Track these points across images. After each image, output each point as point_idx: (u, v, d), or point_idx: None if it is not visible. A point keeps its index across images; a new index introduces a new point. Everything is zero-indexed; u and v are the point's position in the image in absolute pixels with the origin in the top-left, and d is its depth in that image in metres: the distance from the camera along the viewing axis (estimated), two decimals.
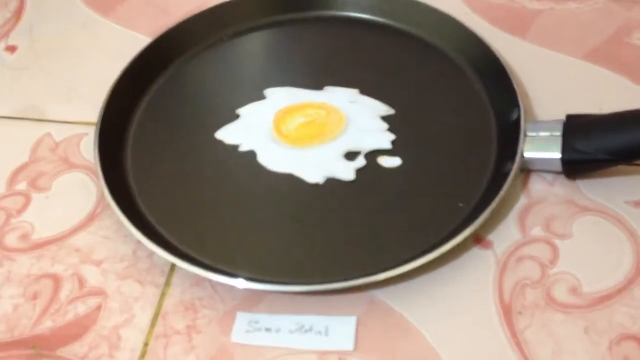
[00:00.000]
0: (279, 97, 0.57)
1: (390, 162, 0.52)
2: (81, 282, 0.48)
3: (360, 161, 0.52)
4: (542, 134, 0.50)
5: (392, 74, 0.58)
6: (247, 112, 0.56)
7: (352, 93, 0.56)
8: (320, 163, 0.52)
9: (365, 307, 0.46)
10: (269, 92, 0.57)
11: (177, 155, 0.54)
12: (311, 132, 0.54)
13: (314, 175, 0.51)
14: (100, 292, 0.48)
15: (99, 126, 0.54)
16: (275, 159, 0.53)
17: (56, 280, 0.48)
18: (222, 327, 0.45)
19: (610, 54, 0.58)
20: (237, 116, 0.56)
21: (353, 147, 0.53)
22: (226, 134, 0.55)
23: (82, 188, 0.53)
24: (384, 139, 0.53)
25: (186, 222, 0.50)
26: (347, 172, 0.51)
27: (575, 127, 0.49)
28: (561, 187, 0.51)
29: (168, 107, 0.57)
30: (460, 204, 0.49)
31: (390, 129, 0.54)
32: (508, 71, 0.54)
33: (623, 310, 0.44)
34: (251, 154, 0.53)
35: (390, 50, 0.60)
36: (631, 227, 0.48)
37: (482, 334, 0.44)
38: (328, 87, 0.57)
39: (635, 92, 0.56)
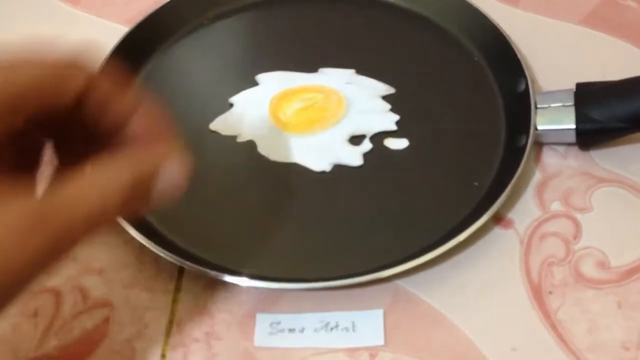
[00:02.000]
0: (272, 82, 0.54)
1: (397, 144, 0.50)
2: (84, 294, 0.45)
3: (367, 145, 0.50)
4: (554, 105, 0.49)
5: (387, 51, 0.56)
6: (241, 100, 0.53)
7: (349, 74, 0.54)
8: (325, 150, 0.50)
9: (391, 299, 0.44)
10: (261, 77, 0.54)
11: None
12: (311, 117, 0.51)
13: (319, 163, 0.49)
14: (106, 304, 0.44)
15: None
16: (277, 148, 0.50)
17: (56, 294, 0.45)
18: (243, 331, 0.43)
19: (606, 17, 0.57)
20: (231, 105, 0.53)
21: (357, 131, 0.50)
22: (222, 125, 0.52)
23: None
24: (388, 120, 0.51)
25: (189, 220, 0.47)
26: (354, 157, 0.49)
27: (587, 96, 0.48)
28: (575, 159, 0.49)
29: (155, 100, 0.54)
30: (476, 183, 0.48)
31: (393, 109, 0.51)
32: (510, 41, 0.53)
33: None
34: (251, 145, 0.50)
35: (381, 26, 0.57)
36: None
37: (514, 318, 0.43)
38: (322, 69, 0.54)
39: (637, 55, 0.55)
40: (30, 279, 0.30)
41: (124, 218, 0.44)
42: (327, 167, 0.49)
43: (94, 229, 0.32)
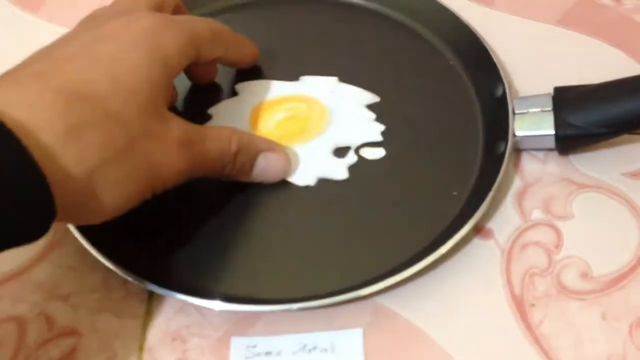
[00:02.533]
0: (252, 92, 0.51)
1: (374, 153, 0.48)
2: (50, 322, 0.43)
3: (352, 157, 0.48)
4: (532, 110, 0.47)
5: (364, 57, 0.53)
6: (219, 111, 0.51)
7: (331, 82, 0.52)
8: (309, 163, 0.47)
9: (370, 317, 0.42)
10: (241, 87, 0.52)
11: None
12: (294, 128, 0.49)
13: (304, 177, 0.47)
14: (73, 332, 0.42)
15: None
16: None
17: (21, 322, 0.43)
18: (218, 356, 0.41)
19: (583, 17, 0.56)
20: (209, 117, 0.50)
21: (341, 142, 0.48)
22: None
23: None
24: (374, 130, 0.49)
25: (158, 241, 0.45)
26: (339, 170, 0.47)
27: (566, 101, 0.47)
28: (555, 165, 0.48)
29: None
30: (455, 193, 0.46)
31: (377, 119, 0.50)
32: (486, 45, 0.51)
33: (638, 290, 0.43)
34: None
35: (360, 32, 0.55)
36: (632, 201, 0.46)
37: (497, 333, 0.42)
38: (304, 77, 0.52)
39: (614, 55, 0.53)
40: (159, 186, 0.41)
41: (232, 177, 0.45)
42: (311, 182, 0.47)
43: (209, 171, 0.43)
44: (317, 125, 0.49)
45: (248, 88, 0.52)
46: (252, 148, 0.44)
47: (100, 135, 0.36)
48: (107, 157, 0.37)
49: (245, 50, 0.50)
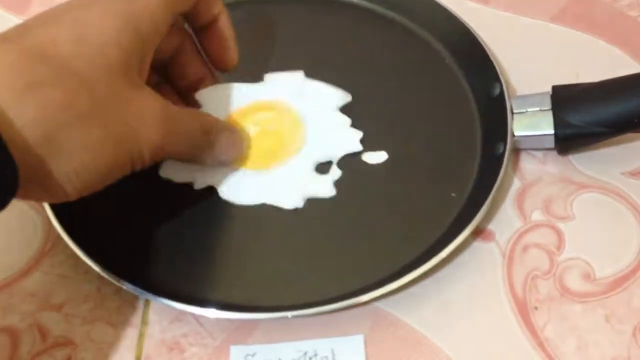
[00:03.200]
0: (215, 101, 0.47)
1: (376, 157, 0.47)
2: (43, 332, 0.42)
3: (336, 172, 0.46)
4: (531, 109, 0.47)
5: (343, 53, 0.52)
6: None
7: (297, 77, 0.49)
8: (293, 185, 0.45)
9: (371, 323, 0.42)
10: (201, 96, 0.47)
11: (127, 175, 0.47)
12: (269, 146, 0.46)
13: (291, 200, 0.45)
14: (67, 342, 0.41)
15: None
16: (240, 190, 0.45)
17: (13, 334, 0.42)
18: None
19: (578, 14, 0.55)
20: None
21: (322, 158, 0.46)
22: (171, 171, 0.45)
23: (25, 220, 0.46)
24: (352, 139, 0.47)
25: (155, 247, 0.44)
26: (325, 188, 0.45)
27: (565, 100, 0.46)
28: (554, 165, 0.47)
29: None
30: (453, 194, 0.46)
31: (363, 119, 0.48)
32: (482, 42, 0.51)
33: None
34: (211, 190, 0.45)
35: (342, 28, 0.54)
36: (632, 201, 0.46)
37: (500, 337, 0.41)
38: (268, 74, 0.49)
39: (610, 51, 0.53)
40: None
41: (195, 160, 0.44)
42: (300, 204, 0.45)
43: (181, 149, 0.41)
44: (293, 140, 0.46)
45: (210, 97, 0.47)
46: (213, 125, 0.43)
47: (61, 94, 0.34)
48: (71, 118, 0.35)
49: (229, 42, 0.46)
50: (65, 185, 0.36)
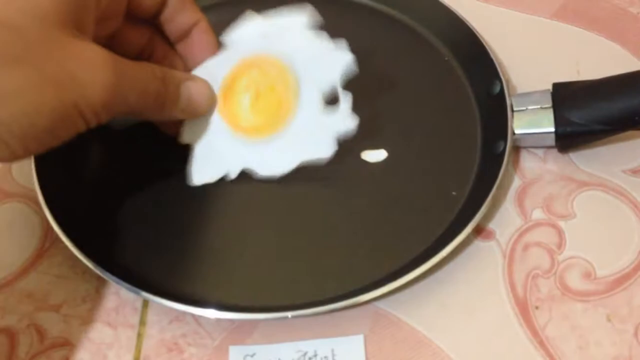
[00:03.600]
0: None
1: (376, 156, 0.47)
2: (41, 333, 0.42)
3: (345, 96, 0.43)
4: (531, 107, 0.46)
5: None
6: (191, 134, 0.45)
7: (254, 22, 0.45)
8: (317, 129, 0.43)
9: (371, 323, 0.41)
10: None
11: (125, 174, 0.47)
12: (270, 105, 0.44)
13: (325, 147, 0.43)
14: (65, 343, 0.41)
15: None
16: (275, 161, 0.44)
17: (10, 334, 0.42)
18: None
19: (578, 10, 0.55)
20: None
21: (324, 88, 0.43)
22: (202, 175, 0.45)
23: (23, 221, 0.46)
24: (339, 53, 0.43)
25: (151, 248, 0.44)
26: (347, 119, 0.43)
27: (566, 98, 0.46)
28: (554, 163, 0.47)
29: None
30: (454, 193, 0.45)
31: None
32: (482, 40, 0.50)
33: None
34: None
35: (342, 25, 0.53)
36: (633, 198, 0.45)
37: (501, 336, 0.41)
38: (225, 36, 0.45)
39: (610, 48, 0.53)
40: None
41: (159, 117, 0.42)
42: (334, 147, 0.43)
43: (139, 98, 0.39)
44: (289, 88, 0.43)
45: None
46: (173, 76, 0.41)
47: None
48: (1, 62, 0.33)
49: (211, 50, 0.45)
50: (7, 138, 0.33)
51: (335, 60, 0.43)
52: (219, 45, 0.45)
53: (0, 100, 0.33)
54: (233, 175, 0.45)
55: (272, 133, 0.44)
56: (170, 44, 0.45)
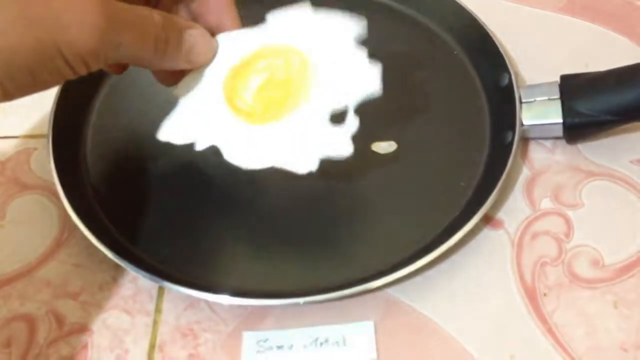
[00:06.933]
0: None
1: (386, 147, 0.47)
2: (59, 320, 0.43)
3: (352, 123, 0.39)
4: (539, 98, 0.47)
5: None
6: (187, 88, 0.42)
7: (304, 12, 0.42)
8: (306, 140, 0.40)
9: (381, 309, 0.42)
10: None
11: (140, 164, 0.48)
12: (277, 97, 0.40)
13: (305, 163, 0.39)
14: (83, 329, 0.42)
15: (50, 136, 0.47)
16: (247, 151, 0.40)
17: (30, 321, 0.43)
18: (229, 351, 0.41)
19: (585, 4, 0.55)
20: (176, 99, 0.42)
21: (337, 103, 0.39)
22: (171, 133, 0.41)
23: (41, 211, 0.47)
24: (369, 77, 0.40)
25: (166, 237, 0.45)
26: (343, 145, 0.39)
27: (573, 89, 0.47)
28: (562, 154, 0.48)
29: (120, 106, 0.51)
30: (462, 183, 0.46)
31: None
32: (490, 33, 0.51)
33: None
34: (215, 152, 0.41)
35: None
36: None
37: (510, 323, 0.41)
38: (271, 14, 0.42)
39: (618, 41, 0.53)
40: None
41: (160, 64, 0.39)
42: (314, 166, 0.39)
43: (134, 42, 0.36)
44: (302, 87, 0.40)
45: None
46: (175, 22, 0.39)
47: None
48: None
49: (227, 8, 0.42)
50: None
51: (362, 83, 0.40)
52: (233, 7, 0.42)
53: None
54: (200, 147, 0.41)
55: (260, 124, 0.40)
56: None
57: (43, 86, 0.34)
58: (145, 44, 0.37)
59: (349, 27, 0.41)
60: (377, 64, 0.40)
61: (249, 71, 0.41)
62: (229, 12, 0.42)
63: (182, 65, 0.40)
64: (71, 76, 0.34)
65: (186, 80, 0.42)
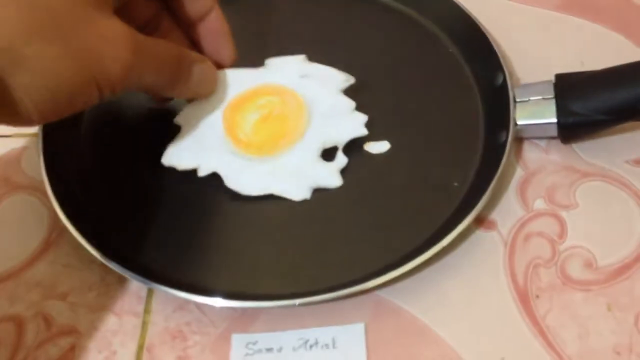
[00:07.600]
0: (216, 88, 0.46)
1: (378, 147, 0.47)
2: (48, 321, 0.42)
3: (342, 160, 0.45)
4: (533, 98, 0.46)
5: (345, 42, 0.52)
6: (188, 118, 0.46)
7: (299, 61, 0.48)
8: (300, 173, 0.45)
9: (372, 311, 0.42)
10: None
11: (130, 165, 0.47)
12: (273, 131, 0.45)
13: (298, 191, 0.45)
14: (71, 331, 0.42)
15: (41, 136, 0.47)
16: (246, 180, 0.45)
17: (18, 322, 0.42)
18: (218, 354, 0.41)
19: (582, 2, 0.55)
20: (178, 128, 0.46)
21: (327, 143, 0.45)
22: (175, 159, 0.46)
23: (31, 211, 0.47)
24: (357, 122, 0.46)
25: (159, 236, 0.44)
26: (332, 177, 0.45)
27: (568, 88, 0.46)
28: (557, 153, 0.47)
29: (112, 107, 0.50)
30: (456, 184, 0.46)
31: (363, 108, 0.47)
32: (486, 32, 0.50)
33: None
34: (216, 178, 0.45)
35: (344, 16, 0.54)
36: (636, 189, 0.45)
37: (501, 325, 0.41)
38: (270, 59, 0.48)
39: (614, 39, 0.53)
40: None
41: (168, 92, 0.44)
42: (307, 195, 0.45)
43: (155, 75, 0.41)
44: (298, 125, 0.45)
45: None
46: (187, 55, 0.43)
47: (14, 10, 0.34)
48: (27, 33, 0.34)
49: (224, 38, 0.46)
50: (26, 103, 0.35)
51: (350, 126, 0.46)
52: (230, 38, 0.46)
53: (25, 67, 0.34)
54: (203, 172, 0.45)
55: (258, 155, 0.45)
56: (175, 22, 0.45)
57: (73, 111, 0.37)
58: (161, 75, 0.41)
59: (339, 77, 0.47)
60: (364, 115, 0.46)
61: (249, 104, 0.46)
62: (225, 42, 0.46)
63: (188, 95, 0.45)
64: (97, 100, 0.38)
65: (188, 109, 0.46)
